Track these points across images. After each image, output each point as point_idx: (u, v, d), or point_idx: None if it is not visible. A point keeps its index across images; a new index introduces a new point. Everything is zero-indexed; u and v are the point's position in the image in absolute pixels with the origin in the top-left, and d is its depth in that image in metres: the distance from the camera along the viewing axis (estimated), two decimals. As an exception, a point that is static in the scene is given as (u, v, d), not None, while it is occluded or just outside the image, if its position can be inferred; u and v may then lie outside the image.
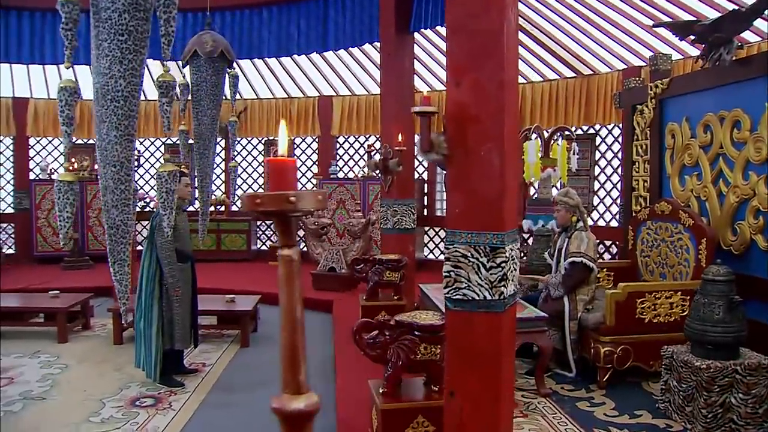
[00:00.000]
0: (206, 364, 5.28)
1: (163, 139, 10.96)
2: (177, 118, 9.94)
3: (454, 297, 2.59)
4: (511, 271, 2.59)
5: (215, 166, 10.52)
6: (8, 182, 10.37)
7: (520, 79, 8.72)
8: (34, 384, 4.72)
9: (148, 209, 10.27)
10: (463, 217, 2.58)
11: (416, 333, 3.24)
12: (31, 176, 10.36)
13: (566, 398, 4.17)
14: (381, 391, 3.23)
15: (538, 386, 4.23)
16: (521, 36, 8.06)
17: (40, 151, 10.58)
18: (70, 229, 2.99)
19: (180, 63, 5.97)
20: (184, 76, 5.98)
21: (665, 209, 4.89)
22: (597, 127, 8.08)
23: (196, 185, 5.70)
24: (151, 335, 4.65)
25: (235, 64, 10.03)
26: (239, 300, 6.29)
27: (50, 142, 10.63)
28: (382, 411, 3.08)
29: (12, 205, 10.28)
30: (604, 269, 5.39)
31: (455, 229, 2.58)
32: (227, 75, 5.91)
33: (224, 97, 11.32)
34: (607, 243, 7.98)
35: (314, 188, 10.88)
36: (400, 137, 5.45)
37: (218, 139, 9.58)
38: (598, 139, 8.11)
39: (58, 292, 6.38)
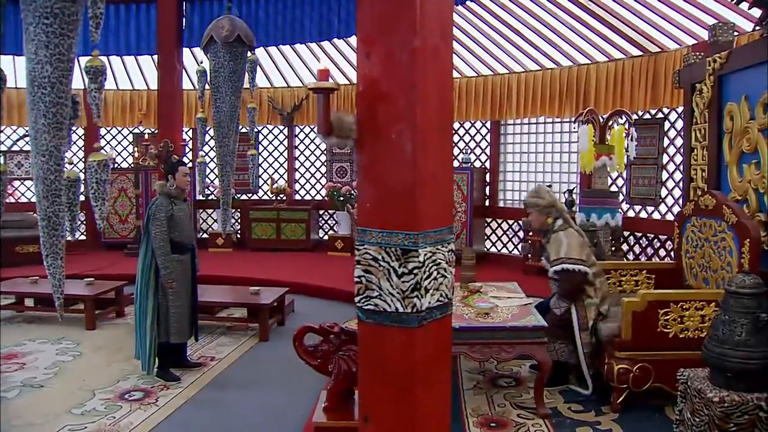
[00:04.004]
0: (215, 358, 5.16)
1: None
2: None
3: (365, 307, 2.21)
4: (432, 280, 2.17)
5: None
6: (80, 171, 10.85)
7: (583, 60, 7.95)
8: (41, 371, 4.79)
9: (212, 198, 10.43)
10: (374, 213, 2.19)
11: (365, 342, 2.88)
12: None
13: (568, 421, 3.62)
14: (323, 405, 2.91)
15: (537, 405, 3.71)
16: (583, 15, 7.32)
17: (110, 140, 10.99)
18: (-1, 220, 2.89)
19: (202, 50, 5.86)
20: (200, 63, 5.88)
21: (709, 203, 4.13)
22: (666, 110, 7.19)
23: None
24: (145, 327, 4.57)
25: (283, 50, 9.99)
26: (264, 292, 6.15)
27: (120, 131, 11.01)
28: (314, 428, 2.76)
29: (83, 194, 10.73)
30: (644, 271, 4.71)
31: (365, 226, 2.20)
32: (247, 60, 5.75)
33: (286, 85, 11.15)
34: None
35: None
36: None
37: (278, 126, 9.49)
38: (666, 124, 7.21)
39: (93, 279, 6.51)
